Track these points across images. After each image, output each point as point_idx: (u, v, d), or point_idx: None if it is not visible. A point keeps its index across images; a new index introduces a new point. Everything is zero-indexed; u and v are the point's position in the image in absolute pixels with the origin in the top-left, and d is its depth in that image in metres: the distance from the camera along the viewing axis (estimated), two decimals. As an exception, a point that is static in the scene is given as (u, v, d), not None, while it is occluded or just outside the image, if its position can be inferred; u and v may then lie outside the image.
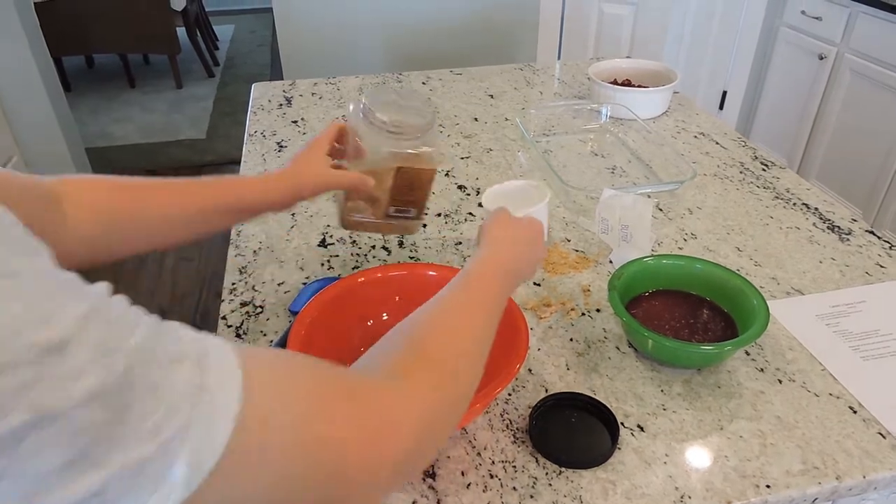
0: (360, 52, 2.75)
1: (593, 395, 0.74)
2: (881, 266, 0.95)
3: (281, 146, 1.31)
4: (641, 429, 0.70)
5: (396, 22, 2.71)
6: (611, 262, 0.96)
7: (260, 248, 1.00)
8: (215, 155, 3.25)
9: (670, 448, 0.68)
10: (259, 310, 0.88)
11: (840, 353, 0.80)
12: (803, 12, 2.53)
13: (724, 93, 2.86)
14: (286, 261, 0.97)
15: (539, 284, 0.92)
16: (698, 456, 0.67)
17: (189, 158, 3.22)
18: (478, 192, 1.14)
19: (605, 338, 0.83)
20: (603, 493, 0.64)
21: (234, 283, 0.93)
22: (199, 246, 2.59)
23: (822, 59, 2.47)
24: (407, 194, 0.83)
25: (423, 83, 1.60)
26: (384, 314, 0.80)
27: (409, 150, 0.79)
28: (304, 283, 0.92)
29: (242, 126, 1.42)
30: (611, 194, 1.02)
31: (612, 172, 1.21)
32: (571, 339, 0.83)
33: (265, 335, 0.84)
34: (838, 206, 1.09)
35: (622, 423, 0.70)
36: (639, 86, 1.44)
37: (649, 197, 1.04)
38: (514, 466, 0.67)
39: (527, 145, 1.29)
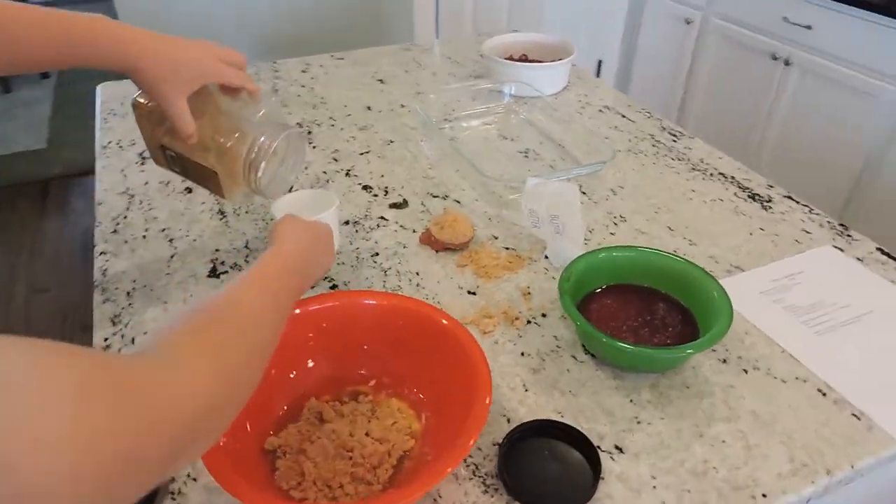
0: (219, 41, 2.49)
1: (561, 418, 0.66)
2: (807, 232, 0.93)
3: (145, 158, 1.11)
4: (620, 450, 0.63)
5: (254, 6, 2.48)
6: (546, 257, 0.88)
7: (134, 289, 0.82)
8: (63, 166, 2.86)
9: (655, 469, 0.61)
10: (145, 368, 0.71)
11: (793, 331, 0.76)
12: (667, -22, 2.58)
13: (600, 62, 2.89)
14: (171, 300, 0.81)
15: (474, 293, 0.82)
16: (686, 473, 0.61)
17: (31, 171, 2.81)
18: (386, 192, 1.02)
19: (559, 346, 0.74)
20: (596, 538, 0.55)
21: (106, 339, 0.75)
22: (53, 272, 2.25)
23: (688, 23, 2.54)
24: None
25: (303, 71, 1.44)
26: (309, 361, 0.66)
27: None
28: (199, 327, 0.76)
29: (92, 132, 1.20)
30: (535, 183, 0.94)
31: (526, 156, 1.13)
32: (522, 354, 0.74)
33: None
34: (752, 173, 1.08)
35: (599, 447, 0.62)
36: (535, 61, 1.37)
37: (572, 181, 0.97)
38: (491, 523, 0.57)
39: (430, 133, 1.18)
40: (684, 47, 2.59)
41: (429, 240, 0.90)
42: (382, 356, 0.66)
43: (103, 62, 0.59)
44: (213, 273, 0.85)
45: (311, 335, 0.65)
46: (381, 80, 1.40)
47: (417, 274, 0.85)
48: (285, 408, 0.63)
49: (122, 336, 0.75)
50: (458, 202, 1.00)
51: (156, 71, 0.60)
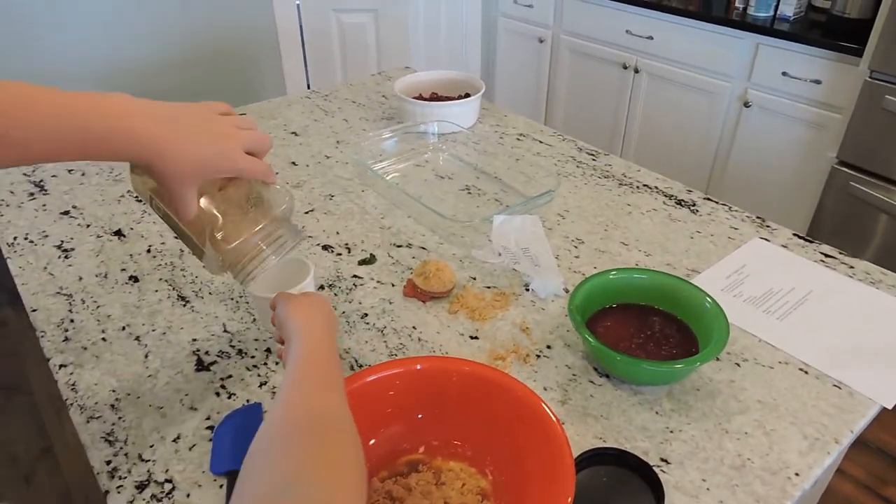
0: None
1: (604, 443, 0.69)
2: (734, 228, 1.06)
3: (65, 250, 1.00)
4: (666, 461, 0.68)
5: (117, 70, 2.28)
6: (527, 289, 0.92)
7: (118, 400, 0.74)
8: None
9: (702, 472, 0.67)
10: (169, 486, 0.65)
11: (759, 320, 0.87)
12: (516, 1, 2.76)
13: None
14: (166, 405, 0.74)
15: (476, 337, 0.84)
16: (728, 469, 0.67)
17: None
18: (349, 250, 1.01)
19: (575, 375, 0.78)
20: (680, 550, 0.60)
21: (108, 461, 0.67)
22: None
23: (541, 42, 2.73)
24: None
25: (207, 132, 1.36)
26: (372, 440, 0.64)
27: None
28: (210, 429, 0.71)
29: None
30: (501, 220, 0.98)
31: (469, 193, 1.16)
32: (545, 389, 0.77)
33: (200, 520, 0.62)
34: (670, 181, 1.20)
35: (648, 463, 0.67)
36: (445, 97, 1.41)
37: (533, 215, 1.02)
38: (586, 560, 0.59)
39: (370, 182, 1.18)
40: (541, 64, 2.78)
41: (414, 292, 0.90)
42: (435, 421, 0.66)
43: (118, 159, 0.54)
44: (202, 366, 0.79)
45: (386, 410, 0.64)
46: (294, 133, 1.37)
47: (415, 328, 0.85)
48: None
49: (127, 455, 0.68)
50: (425, 249, 1.01)
51: (171, 170, 0.55)
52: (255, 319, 0.86)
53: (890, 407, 0.74)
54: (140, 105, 0.55)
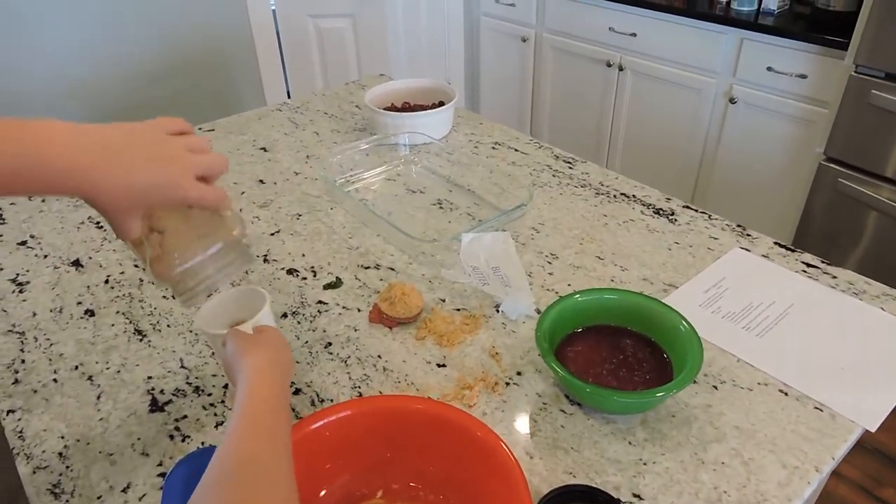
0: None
1: (574, 479, 0.66)
2: (714, 238, 1.02)
3: (20, 283, 0.96)
4: (639, 497, 0.65)
5: (92, 81, 2.24)
6: (497, 310, 0.89)
7: (66, 447, 0.71)
8: None
9: (676, 507, 0.64)
10: (114, 543, 0.62)
11: (738, 337, 0.83)
12: (497, 0, 2.72)
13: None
14: (116, 451, 0.71)
15: (444, 365, 0.81)
16: (704, 504, 0.64)
17: None
18: (315, 274, 0.97)
19: (545, 404, 0.75)
20: None
21: (53, 517, 0.64)
22: None
23: (524, 41, 2.69)
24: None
25: (174, 150, 1.33)
26: (322, 490, 0.61)
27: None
28: (162, 476, 0.67)
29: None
30: (469, 239, 0.94)
31: (441, 208, 1.13)
32: (515, 420, 0.73)
33: (144, 579, 0.59)
34: (648, 189, 1.16)
35: (620, 501, 0.64)
36: (418, 106, 1.38)
37: (504, 231, 0.98)
38: None
39: (339, 199, 1.14)
40: (525, 64, 2.74)
41: (380, 318, 0.87)
42: (392, 464, 0.63)
43: (50, 194, 0.51)
44: (156, 406, 0.76)
45: (336, 456, 0.60)
46: (263, 149, 1.34)
47: (380, 357, 0.82)
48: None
49: (72, 510, 0.65)
50: (393, 269, 0.97)
51: (106, 202, 0.52)
52: (213, 353, 0.83)
53: (873, 430, 0.71)
54: (70, 134, 0.51)
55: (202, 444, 0.71)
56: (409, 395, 0.75)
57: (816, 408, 0.73)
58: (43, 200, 1.17)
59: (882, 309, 0.87)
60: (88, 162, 0.50)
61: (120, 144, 0.53)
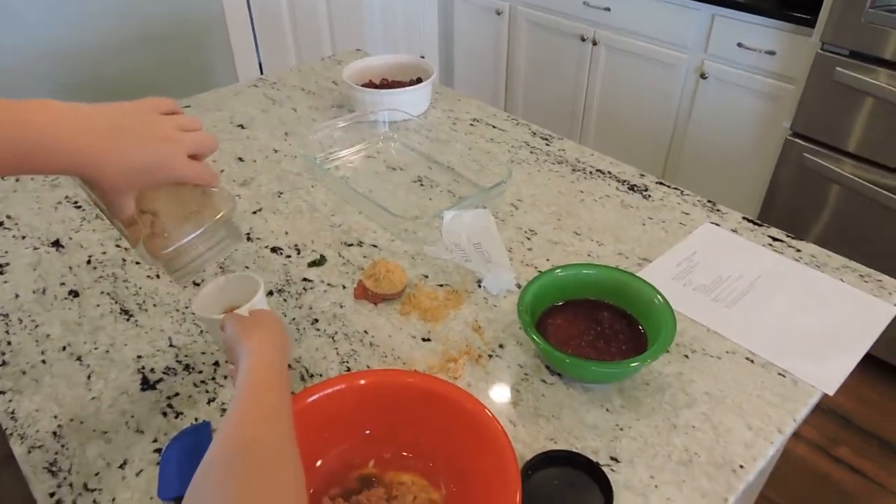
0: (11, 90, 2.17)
1: (555, 445, 0.70)
2: (686, 213, 1.06)
3: (1, 266, 0.96)
4: (616, 460, 0.69)
5: (63, 52, 2.17)
6: (479, 286, 0.92)
7: (60, 427, 0.72)
8: None
9: (651, 469, 0.68)
10: (114, 516, 0.64)
11: (708, 309, 0.87)
12: (471, -27, 2.70)
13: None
14: (111, 429, 0.72)
15: (429, 339, 0.83)
16: (676, 465, 0.68)
17: None
18: (299, 251, 0.99)
19: (526, 374, 0.79)
20: (629, 551, 0.61)
21: (52, 493, 0.66)
22: None
23: (499, 14, 2.69)
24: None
25: (150, 128, 1.31)
26: (318, 461, 0.63)
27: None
28: (158, 452, 0.69)
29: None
30: (451, 216, 0.97)
31: (421, 185, 1.14)
32: (498, 391, 0.77)
33: (146, 549, 0.61)
34: (623, 165, 1.19)
35: (598, 463, 0.68)
36: (396, 82, 1.38)
37: (485, 208, 1.01)
38: (536, 568, 0.60)
39: (319, 177, 1.15)
40: (499, 37, 2.74)
41: (365, 294, 0.89)
42: (384, 435, 0.66)
43: (49, 173, 0.52)
44: (148, 384, 0.77)
45: (330, 429, 0.63)
46: (241, 126, 1.33)
47: (366, 332, 0.84)
48: None
49: (71, 485, 0.66)
50: (376, 247, 0.99)
51: (104, 180, 0.53)
52: (201, 332, 0.84)
53: (831, 394, 0.76)
54: (67, 113, 0.52)
55: (196, 419, 0.73)
56: (397, 369, 0.78)
57: (780, 374, 0.78)
58: (17, 180, 1.15)
59: (842, 280, 0.92)
60: (87, 143, 0.51)
61: (115, 125, 0.54)
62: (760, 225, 1.03)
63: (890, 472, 1.65)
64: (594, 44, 2.40)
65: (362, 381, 0.66)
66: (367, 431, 0.66)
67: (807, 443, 1.73)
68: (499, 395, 0.76)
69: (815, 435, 1.75)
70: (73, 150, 0.51)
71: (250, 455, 0.46)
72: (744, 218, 1.04)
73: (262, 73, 2.61)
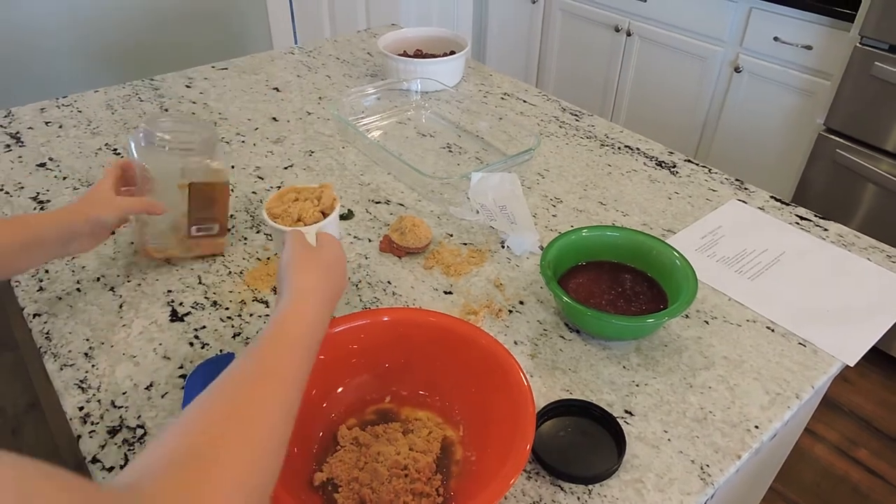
0: (44, 62, 2.23)
1: (571, 395, 0.71)
2: (713, 190, 1.06)
3: (40, 202, 0.99)
4: (630, 413, 0.69)
5: (100, 23, 2.22)
6: (503, 246, 0.93)
7: (91, 349, 0.75)
8: None
9: (664, 423, 0.68)
10: (140, 431, 0.66)
11: (731, 279, 0.87)
12: (508, -40, 2.70)
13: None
14: (139, 354, 0.75)
15: (451, 292, 0.84)
16: (690, 421, 0.68)
17: None
18: (327, 205, 1.00)
19: (545, 330, 0.79)
20: (638, 496, 0.61)
21: (81, 407, 0.68)
22: None
23: (534, 2, 2.69)
24: (205, 210, 0.84)
25: (188, 86, 1.35)
26: (339, 387, 0.65)
27: (198, 165, 0.81)
28: (183, 377, 0.72)
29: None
30: (479, 178, 0.97)
31: (450, 151, 1.16)
32: (516, 343, 0.78)
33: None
34: (652, 143, 1.19)
35: (612, 415, 0.68)
36: (430, 54, 1.40)
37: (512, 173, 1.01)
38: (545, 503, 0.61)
39: (351, 139, 1.17)
40: (533, 25, 2.74)
41: (390, 247, 0.90)
42: (402, 372, 0.67)
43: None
44: (176, 317, 0.80)
45: (352, 360, 0.65)
46: (276, 89, 1.35)
47: (390, 283, 0.86)
48: (321, 435, 0.62)
49: (100, 402, 0.69)
50: (402, 205, 1.01)
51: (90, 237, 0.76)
52: (230, 273, 0.87)
53: (852, 364, 0.75)
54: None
55: (221, 350, 0.75)
56: (421, 308, 0.79)
57: (800, 343, 0.78)
58: (60, 126, 1.19)
59: (868, 259, 0.91)
60: (85, 209, 0.76)
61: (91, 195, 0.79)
62: (788, 204, 1.02)
63: (907, 475, 1.62)
64: (628, 34, 2.39)
65: (386, 318, 0.67)
66: (387, 365, 0.67)
67: (826, 444, 1.71)
68: (517, 347, 0.77)
69: (836, 437, 1.72)
70: (74, 223, 0.75)
71: (231, 418, 0.44)
72: (771, 197, 1.04)
73: (296, 43, 2.65)
